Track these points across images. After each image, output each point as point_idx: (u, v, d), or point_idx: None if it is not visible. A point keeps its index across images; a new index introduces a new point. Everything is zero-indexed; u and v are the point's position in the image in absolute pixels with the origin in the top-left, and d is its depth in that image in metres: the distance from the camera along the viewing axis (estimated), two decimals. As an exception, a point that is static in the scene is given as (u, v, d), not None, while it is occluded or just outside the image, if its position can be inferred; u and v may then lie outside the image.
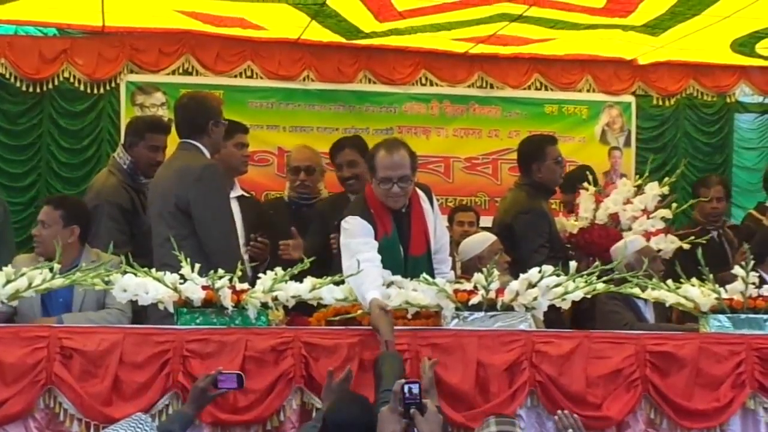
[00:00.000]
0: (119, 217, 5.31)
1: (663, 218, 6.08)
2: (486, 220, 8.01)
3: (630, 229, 6.03)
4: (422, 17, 7.46)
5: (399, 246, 4.64)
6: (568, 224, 6.27)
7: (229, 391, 3.91)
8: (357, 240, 4.42)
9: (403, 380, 3.31)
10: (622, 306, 5.33)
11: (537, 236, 5.73)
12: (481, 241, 5.64)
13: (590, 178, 6.32)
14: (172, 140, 5.73)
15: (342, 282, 4.33)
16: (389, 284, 4.41)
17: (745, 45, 8.16)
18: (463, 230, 7.23)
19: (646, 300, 5.04)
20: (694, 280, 4.62)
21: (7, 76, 8.10)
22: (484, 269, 4.29)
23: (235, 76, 8.45)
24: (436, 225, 4.85)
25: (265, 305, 4.20)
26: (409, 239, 4.67)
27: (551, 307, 4.41)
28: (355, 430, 3.47)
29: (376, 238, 4.51)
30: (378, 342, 4.03)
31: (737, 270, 4.54)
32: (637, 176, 6.73)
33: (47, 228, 4.89)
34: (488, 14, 7.35)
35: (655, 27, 7.60)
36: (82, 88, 8.22)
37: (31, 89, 8.16)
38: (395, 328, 4.17)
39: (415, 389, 3.18)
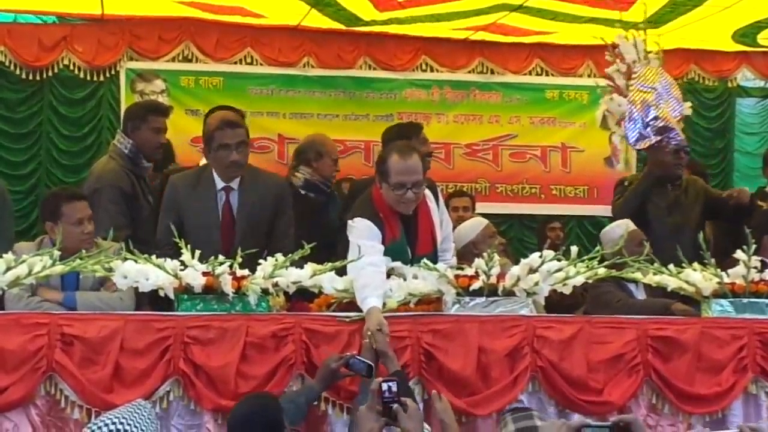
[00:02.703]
0: (119, 200, 5.30)
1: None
2: (485, 207, 7.99)
3: None
4: (422, 7, 7.43)
5: (406, 248, 4.62)
6: None
7: (356, 375, 3.92)
8: (363, 242, 4.38)
9: (380, 378, 3.31)
10: (614, 286, 5.30)
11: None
12: (473, 226, 5.63)
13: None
14: (172, 123, 5.78)
15: (344, 271, 4.32)
16: (389, 270, 4.41)
17: (746, 35, 8.12)
18: (458, 216, 7.09)
19: (637, 283, 5.04)
20: (696, 264, 4.61)
21: (7, 63, 8.08)
22: (484, 254, 4.28)
23: (235, 63, 8.43)
24: (442, 220, 4.84)
25: (265, 291, 4.19)
26: (416, 240, 4.64)
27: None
28: (258, 426, 3.46)
29: (383, 242, 4.48)
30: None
31: (739, 254, 4.54)
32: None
33: (92, 222, 4.75)
34: (488, 5, 7.32)
35: (657, 22, 7.57)
36: (81, 75, 8.20)
37: (30, 77, 8.14)
38: (398, 314, 4.18)
39: (394, 387, 3.18)
